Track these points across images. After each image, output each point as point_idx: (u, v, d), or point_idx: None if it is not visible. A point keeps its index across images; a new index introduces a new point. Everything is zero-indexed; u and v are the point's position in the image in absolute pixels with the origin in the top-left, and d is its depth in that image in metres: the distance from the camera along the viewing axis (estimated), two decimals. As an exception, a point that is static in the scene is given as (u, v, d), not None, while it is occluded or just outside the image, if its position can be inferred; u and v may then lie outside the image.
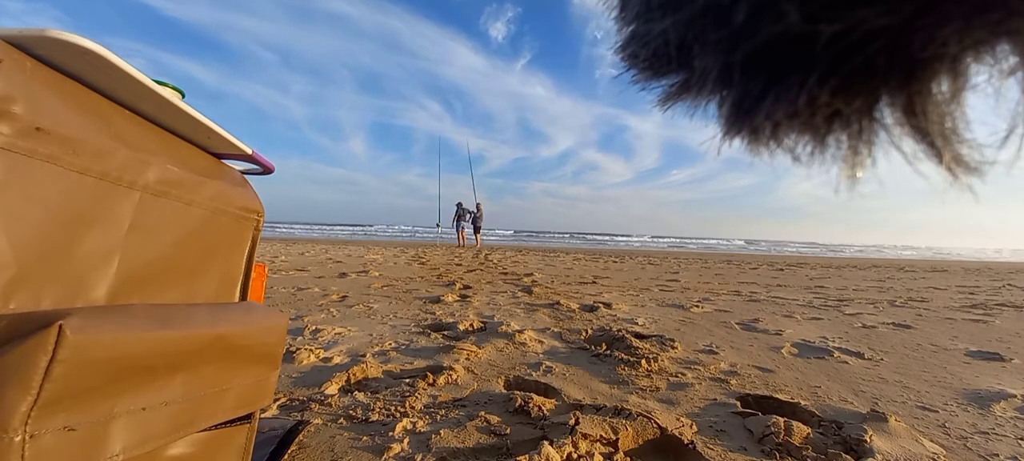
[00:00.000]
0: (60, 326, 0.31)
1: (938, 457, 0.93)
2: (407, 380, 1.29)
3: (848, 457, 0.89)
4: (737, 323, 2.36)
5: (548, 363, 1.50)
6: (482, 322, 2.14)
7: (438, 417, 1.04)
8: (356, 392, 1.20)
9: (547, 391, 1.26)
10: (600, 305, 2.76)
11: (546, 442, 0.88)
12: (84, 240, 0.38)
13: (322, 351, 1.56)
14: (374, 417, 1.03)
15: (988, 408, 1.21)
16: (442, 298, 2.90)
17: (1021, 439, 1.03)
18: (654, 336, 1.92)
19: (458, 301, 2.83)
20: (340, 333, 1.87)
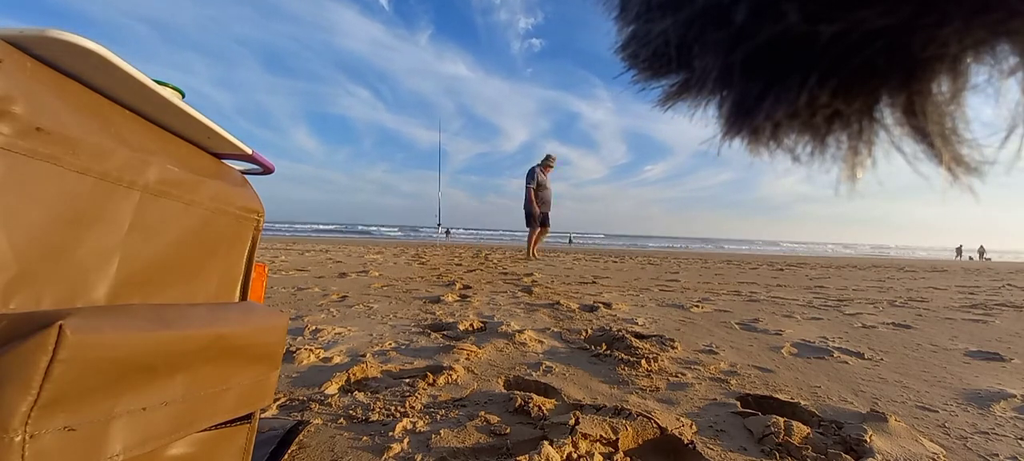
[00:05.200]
0: (60, 326, 0.31)
1: (938, 457, 0.93)
2: (407, 380, 1.29)
3: (848, 457, 0.89)
4: (737, 323, 2.36)
5: (548, 363, 1.50)
6: (482, 322, 2.14)
7: (438, 417, 1.04)
8: (356, 392, 1.20)
9: (547, 391, 1.26)
10: (600, 305, 2.76)
11: (546, 442, 0.88)
12: (84, 240, 0.38)
13: (322, 351, 1.56)
14: (374, 417, 1.03)
15: (988, 408, 1.21)
16: (442, 298, 2.90)
17: (1021, 439, 1.03)
18: (654, 336, 1.92)
19: (458, 301, 2.83)
20: (340, 333, 1.87)
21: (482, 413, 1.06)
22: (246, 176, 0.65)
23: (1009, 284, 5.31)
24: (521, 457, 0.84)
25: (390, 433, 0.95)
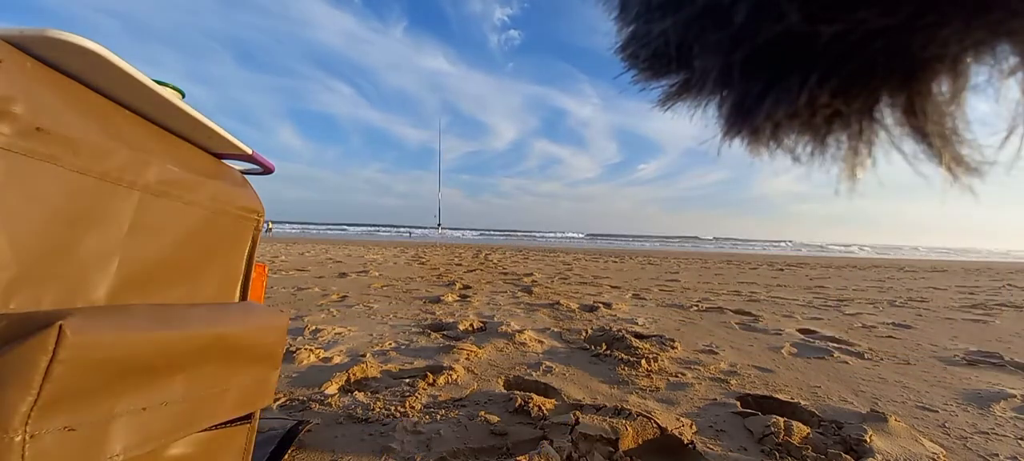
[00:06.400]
0: (60, 326, 0.30)
1: (938, 457, 0.93)
2: (407, 380, 1.29)
3: (848, 457, 0.89)
4: (737, 323, 2.36)
5: (548, 363, 1.50)
6: (482, 322, 2.14)
7: (438, 417, 1.04)
8: (356, 392, 1.20)
9: (547, 391, 1.26)
10: (600, 305, 2.76)
11: (546, 442, 0.88)
12: (84, 240, 0.38)
13: (322, 351, 1.56)
14: (374, 417, 1.03)
15: (988, 408, 1.21)
16: (442, 298, 2.89)
17: (1021, 439, 1.03)
18: (654, 336, 1.92)
19: (458, 301, 2.83)
20: (340, 333, 1.87)
21: (482, 413, 1.06)
22: (246, 176, 0.65)
23: (1009, 284, 5.31)
24: (521, 457, 0.84)
25: (390, 433, 0.95)
